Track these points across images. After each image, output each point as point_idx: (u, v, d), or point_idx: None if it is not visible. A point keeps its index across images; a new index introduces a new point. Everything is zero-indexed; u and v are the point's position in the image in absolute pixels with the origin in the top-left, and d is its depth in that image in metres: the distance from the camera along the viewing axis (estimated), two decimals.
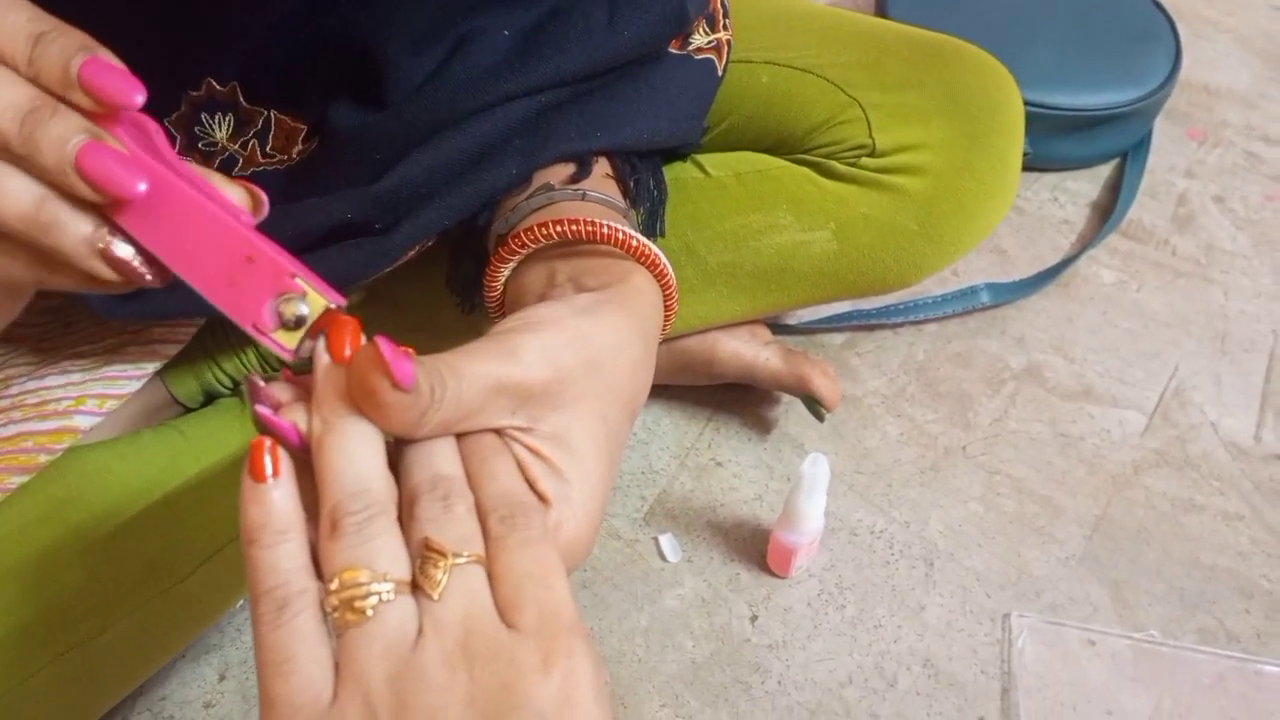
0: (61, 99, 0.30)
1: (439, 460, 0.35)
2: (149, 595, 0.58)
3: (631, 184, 0.54)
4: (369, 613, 0.31)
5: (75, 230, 0.31)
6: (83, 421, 0.57)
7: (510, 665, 0.31)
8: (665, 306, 0.46)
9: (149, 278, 0.32)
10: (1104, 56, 1.02)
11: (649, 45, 0.57)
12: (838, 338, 0.89)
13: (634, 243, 0.45)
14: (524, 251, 0.47)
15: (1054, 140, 1.01)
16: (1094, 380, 0.87)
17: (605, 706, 0.32)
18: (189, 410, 0.67)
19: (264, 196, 0.35)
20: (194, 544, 0.60)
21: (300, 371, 0.35)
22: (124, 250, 0.31)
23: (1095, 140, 1.02)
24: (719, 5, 0.64)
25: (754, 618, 0.73)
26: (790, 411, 0.83)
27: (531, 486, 0.36)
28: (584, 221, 0.45)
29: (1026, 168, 1.02)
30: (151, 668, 0.62)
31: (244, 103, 0.54)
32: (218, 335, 0.66)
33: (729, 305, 0.72)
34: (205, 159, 0.53)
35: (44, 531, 0.54)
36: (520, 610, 0.32)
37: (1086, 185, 1.04)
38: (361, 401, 0.33)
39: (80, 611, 0.55)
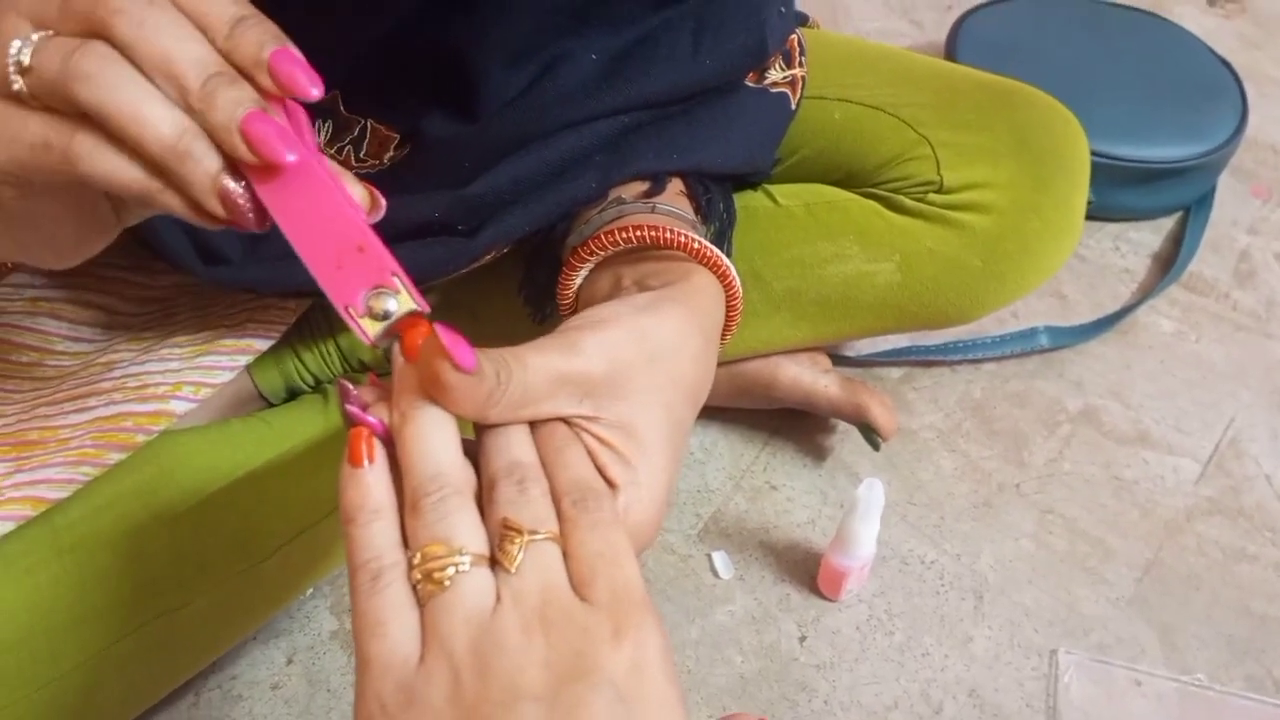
0: (247, 76, 0.34)
1: (516, 449, 0.38)
2: (229, 573, 0.61)
3: (703, 202, 0.56)
4: (446, 583, 0.33)
5: (206, 164, 0.34)
6: (178, 406, 0.60)
7: (584, 633, 0.33)
8: (729, 306, 0.49)
9: (250, 218, 0.35)
10: (1170, 111, 1.04)
11: (728, 75, 0.60)
12: (895, 372, 0.90)
13: (695, 245, 0.47)
14: (593, 259, 0.50)
15: (1117, 191, 1.02)
16: (1150, 426, 0.88)
17: (673, 680, 0.34)
18: (271, 405, 0.71)
19: (383, 201, 0.38)
20: (273, 528, 0.63)
21: (382, 375, 0.38)
22: (238, 191, 0.34)
23: (1158, 193, 1.03)
24: (796, 44, 0.67)
25: (803, 638, 0.74)
26: (846, 440, 0.84)
27: (601, 473, 0.38)
28: (647, 227, 0.48)
29: (1089, 216, 1.03)
30: (225, 645, 0.65)
31: (343, 110, 0.57)
32: (303, 334, 0.70)
33: (792, 331, 0.74)
34: None
35: (136, 505, 0.58)
36: (593, 585, 0.34)
37: (1149, 236, 1.05)
38: (429, 387, 0.35)
39: (165, 584, 0.58)
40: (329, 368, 0.70)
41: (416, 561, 0.34)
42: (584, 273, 0.51)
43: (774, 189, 0.72)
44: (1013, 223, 0.70)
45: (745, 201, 0.72)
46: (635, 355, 0.40)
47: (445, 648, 0.33)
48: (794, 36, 0.67)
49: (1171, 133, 1.02)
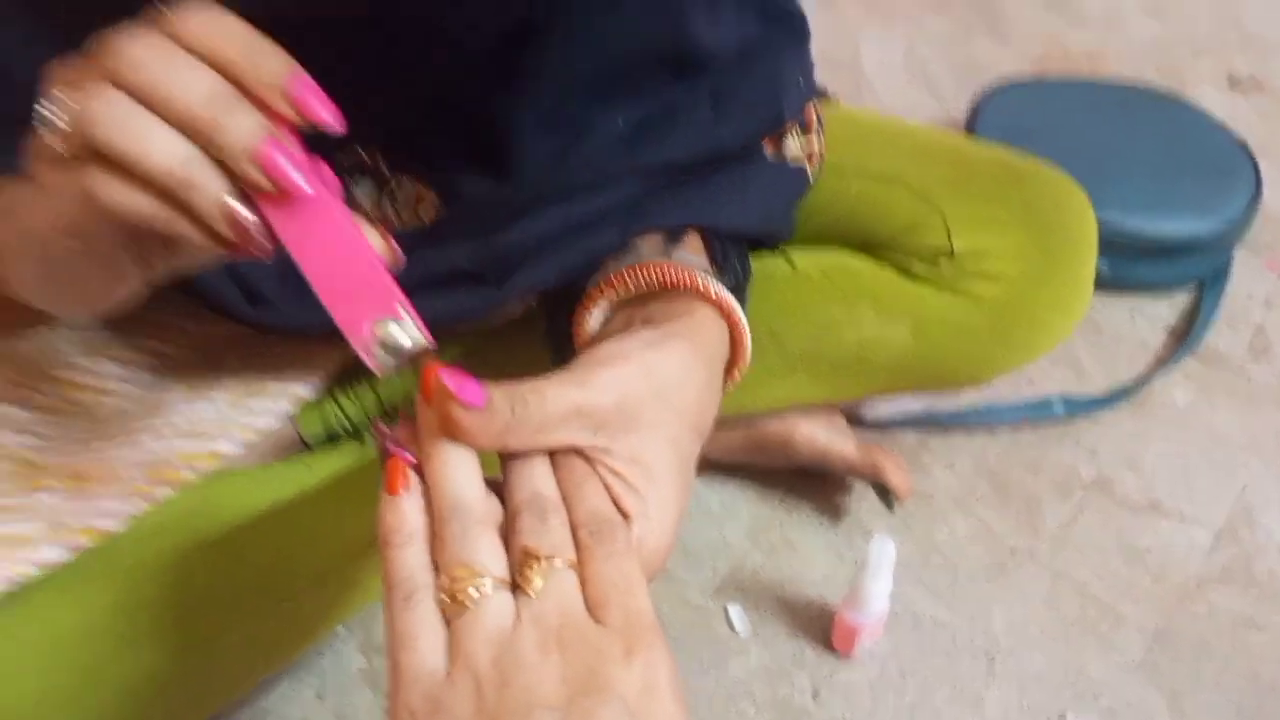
0: (263, 104, 0.35)
1: (537, 481, 0.41)
2: (263, 606, 0.64)
3: (718, 255, 0.60)
4: (469, 604, 0.36)
5: (211, 189, 0.35)
6: (225, 448, 0.64)
7: (597, 653, 0.36)
8: (735, 344, 0.52)
9: (261, 242, 0.37)
10: (1184, 187, 1.07)
11: (744, 142, 0.64)
12: (912, 436, 0.93)
13: (700, 284, 0.51)
14: (606, 299, 0.53)
15: (1133, 263, 1.05)
16: (1163, 496, 0.89)
17: (680, 702, 0.37)
18: (311, 449, 0.74)
19: (401, 255, 0.41)
20: (306, 564, 0.66)
21: (414, 416, 0.41)
22: (247, 216, 0.36)
23: (1173, 266, 1.06)
24: (813, 116, 0.71)
25: (815, 693, 0.76)
26: (862, 500, 0.87)
27: (615, 503, 0.41)
28: (655, 268, 0.52)
29: (1106, 287, 1.06)
30: (258, 677, 0.68)
31: (384, 169, 0.62)
32: (343, 381, 0.73)
33: (808, 391, 0.77)
34: None
35: (181, 537, 0.61)
36: (607, 610, 0.37)
37: (1165, 309, 1.07)
38: (444, 426, 0.39)
39: (205, 613, 0.61)
40: (367, 414, 0.74)
41: (442, 582, 0.37)
42: (598, 313, 0.54)
43: (792, 254, 0.75)
44: (1021, 291, 0.72)
45: (764, 265, 0.75)
46: (643, 389, 0.44)
47: (469, 663, 0.36)
48: (812, 108, 0.71)
49: (1185, 208, 1.05)
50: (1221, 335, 1.04)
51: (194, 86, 0.35)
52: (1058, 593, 0.82)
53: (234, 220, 0.36)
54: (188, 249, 0.40)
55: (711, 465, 0.85)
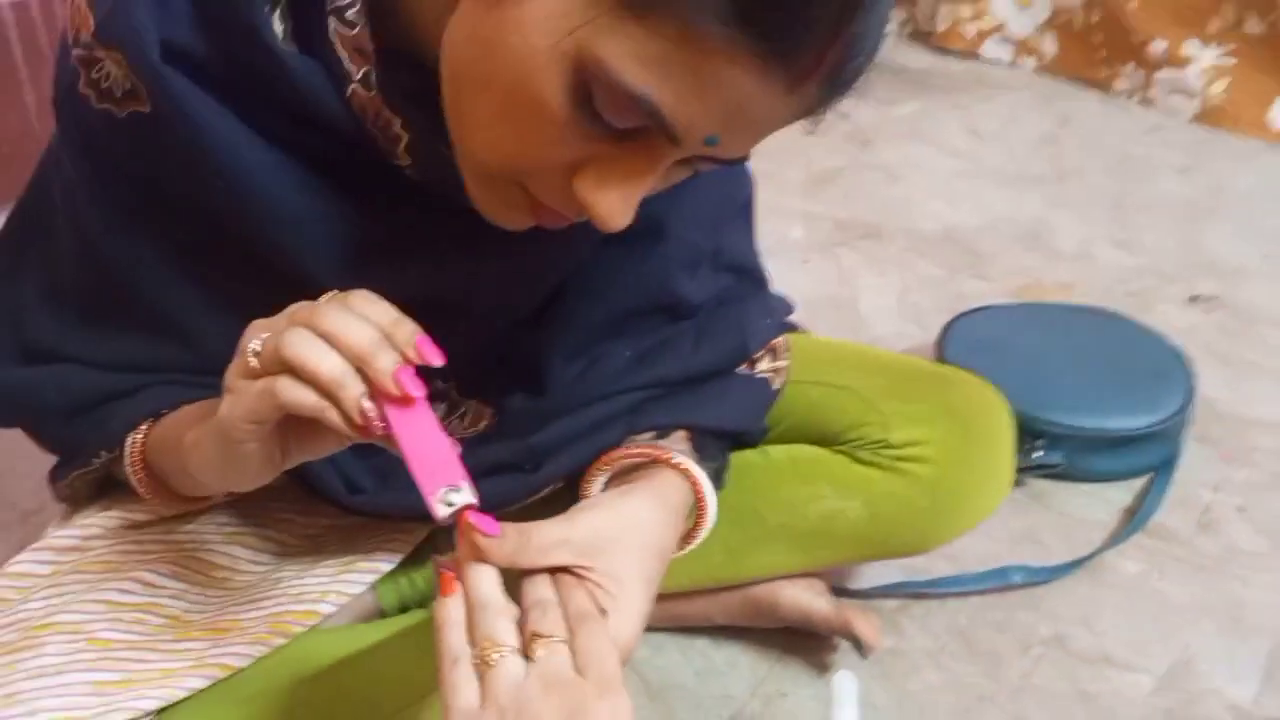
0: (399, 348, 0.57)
1: (540, 589, 0.60)
2: None
3: (699, 444, 0.80)
4: (493, 664, 0.55)
5: (354, 391, 0.56)
6: (325, 608, 0.84)
7: (581, 695, 0.54)
8: (698, 500, 0.73)
9: (378, 426, 0.57)
10: (1126, 389, 1.25)
11: (719, 366, 0.86)
12: (893, 603, 1.08)
13: (672, 458, 0.72)
14: (604, 472, 0.74)
15: (1086, 455, 1.22)
16: (1112, 648, 1.03)
17: None
18: (385, 615, 0.94)
19: (459, 447, 0.62)
20: (381, 703, 0.84)
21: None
22: (371, 409, 0.56)
23: (1122, 457, 1.23)
24: (782, 345, 0.92)
25: None
26: (846, 656, 1.02)
27: (595, 603, 0.60)
28: (638, 448, 0.73)
29: (1066, 477, 1.23)
30: None
31: (456, 395, 0.84)
32: (415, 561, 0.94)
33: (786, 558, 0.95)
34: None
35: (288, 672, 0.79)
36: (588, 670, 0.56)
37: (1122, 494, 1.23)
38: (473, 551, 0.59)
39: None
40: (427, 581, 0.93)
41: (476, 653, 0.56)
42: (599, 481, 0.75)
43: (767, 448, 0.95)
44: (946, 471, 0.91)
45: (745, 457, 0.95)
46: (613, 526, 0.64)
47: (496, 701, 0.54)
48: (780, 340, 0.93)
49: (1127, 406, 1.23)
50: (1173, 513, 1.20)
51: (362, 333, 0.56)
52: None
53: (364, 412, 0.57)
54: (322, 438, 0.62)
55: (716, 628, 1.02)
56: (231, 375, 0.60)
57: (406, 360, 0.57)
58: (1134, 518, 1.18)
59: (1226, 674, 1.00)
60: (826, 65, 0.53)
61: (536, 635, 0.57)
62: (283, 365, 0.56)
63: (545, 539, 0.61)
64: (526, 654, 0.57)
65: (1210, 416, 1.33)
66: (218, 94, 0.65)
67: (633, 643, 0.62)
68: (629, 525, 0.65)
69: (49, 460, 0.84)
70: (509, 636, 0.57)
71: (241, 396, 0.58)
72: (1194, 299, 1.64)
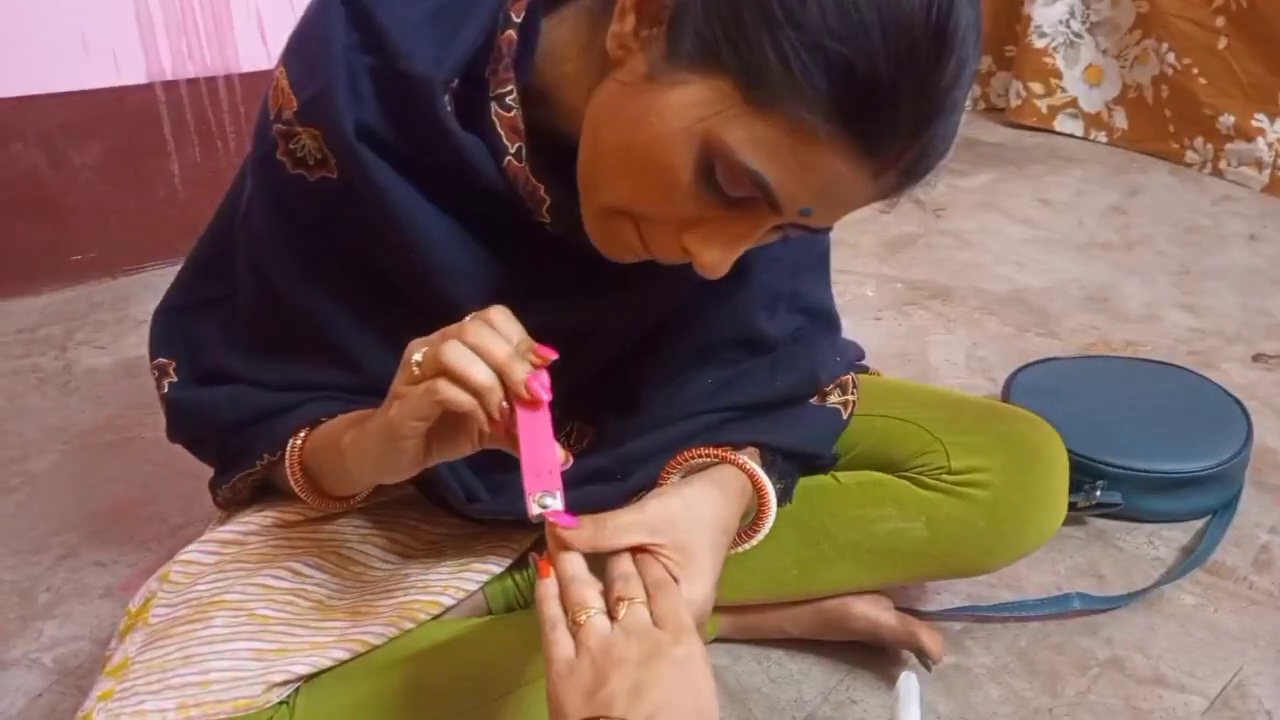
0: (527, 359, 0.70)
1: (622, 565, 0.72)
2: (463, 707, 0.92)
3: (770, 459, 0.91)
4: (583, 622, 0.67)
5: (497, 395, 0.68)
6: (445, 600, 0.96)
7: (657, 640, 0.66)
8: (759, 496, 0.85)
9: (510, 427, 0.69)
10: (1184, 433, 1.33)
11: (792, 395, 0.97)
12: (957, 625, 1.16)
13: (729, 454, 0.83)
14: (680, 469, 0.86)
15: (1145, 497, 1.29)
16: (1166, 671, 1.10)
17: (707, 671, 0.66)
18: (492, 613, 1.05)
19: (571, 459, 0.74)
20: (488, 685, 0.95)
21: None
22: (506, 410, 0.69)
23: (1182, 499, 1.30)
24: (850, 380, 1.03)
25: None
26: (913, 670, 1.10)
27: (669, 573, 0.72)
28: (711, 450, 0.85)
29: (1127, 517, 1.30)
30: None
31: (561, 413, 0.97)
32: (520, 566, 1.05)
33: (855, 574, 1.04)
34: None
35: (414, 649, 0.91)
36: (664, 622, 0.67)
37: (1180, 534, 1.30)
38: (559, 543, 0.71)
39: (426, 702, 0.90)
40: (529, 579, 1.05)
41: (570, 613, 0.68)
42: (672, 480, 0.86)
43: (837, 474, 1.06)
44: (1004, 496, 1.00)
45: (818, 481, 1.05)
46: (678, 507, 0.76)
47: (589, 651, 0.66)
48: (849, 377, 1.03)
49: (1185, 449, 1.30)
50: (1229, 552, 1.26)
51: (501, 348, 0.69)
52: None
53: (502, 412, 0.70)
54: (460, 441, 0.75)
55: (791, 640, 1.11)
56: (398, 384, 0.73)
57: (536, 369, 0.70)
58: (1192, 555, 1.24)
59: (1277, 699, 1.05)
60: (906, 160, 0.66)
61: (620, 599, 0.69)
62: (441, 371, 0.69)
63: (620, 523, 0.73)
64: (612, 615, 0.68)
65: (1269, 464, 1.39)
66: (396, 165, 0.79)
67: (705, 605, 0.74)
68: (692, 504, 0.77)
69: (194, 482, 0.98)
70: (596, 600, 0.69)
71: (408, 399, 0.71)
72: (1258, 358, 1.70)
